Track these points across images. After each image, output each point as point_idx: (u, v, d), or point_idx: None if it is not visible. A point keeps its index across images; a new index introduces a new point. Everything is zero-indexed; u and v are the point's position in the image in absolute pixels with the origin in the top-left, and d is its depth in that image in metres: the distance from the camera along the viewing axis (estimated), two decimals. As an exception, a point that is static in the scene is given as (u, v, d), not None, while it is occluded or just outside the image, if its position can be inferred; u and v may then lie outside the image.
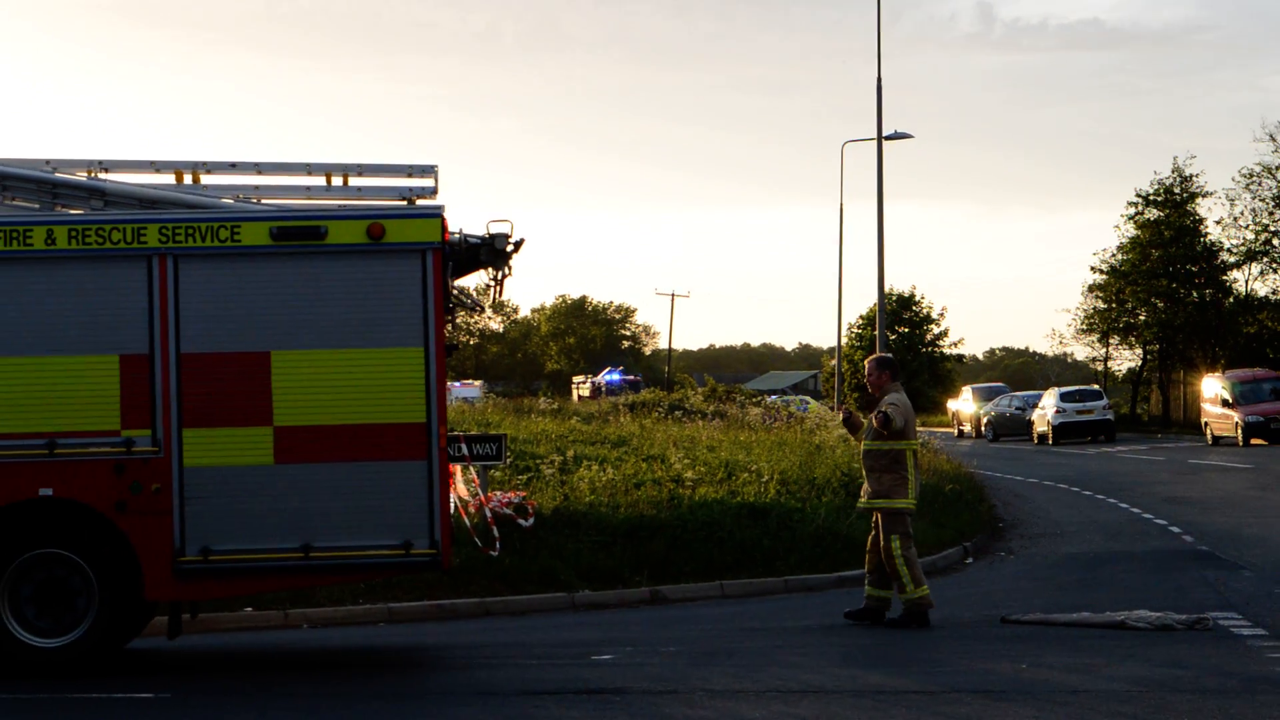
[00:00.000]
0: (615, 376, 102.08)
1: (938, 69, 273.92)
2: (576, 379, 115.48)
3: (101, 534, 15.12)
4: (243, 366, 15.25)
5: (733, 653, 15.95)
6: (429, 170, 16.70)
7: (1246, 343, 75.60)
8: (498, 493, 23.71)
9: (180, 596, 15.46)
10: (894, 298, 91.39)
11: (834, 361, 75.01)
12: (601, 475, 26.77)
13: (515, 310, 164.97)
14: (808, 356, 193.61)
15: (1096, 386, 75.72)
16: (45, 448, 15.11)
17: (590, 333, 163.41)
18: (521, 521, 22.63)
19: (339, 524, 15.26)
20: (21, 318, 15.22)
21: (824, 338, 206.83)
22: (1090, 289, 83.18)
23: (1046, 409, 66.04)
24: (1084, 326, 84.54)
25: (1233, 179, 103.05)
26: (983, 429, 74.40)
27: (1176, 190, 79.72)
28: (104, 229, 15.22)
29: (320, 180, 16.75)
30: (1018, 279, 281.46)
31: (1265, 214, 76.24)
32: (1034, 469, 46.80)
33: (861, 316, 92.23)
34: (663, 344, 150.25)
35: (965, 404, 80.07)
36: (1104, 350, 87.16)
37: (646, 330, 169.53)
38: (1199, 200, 79.62)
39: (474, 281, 16.95)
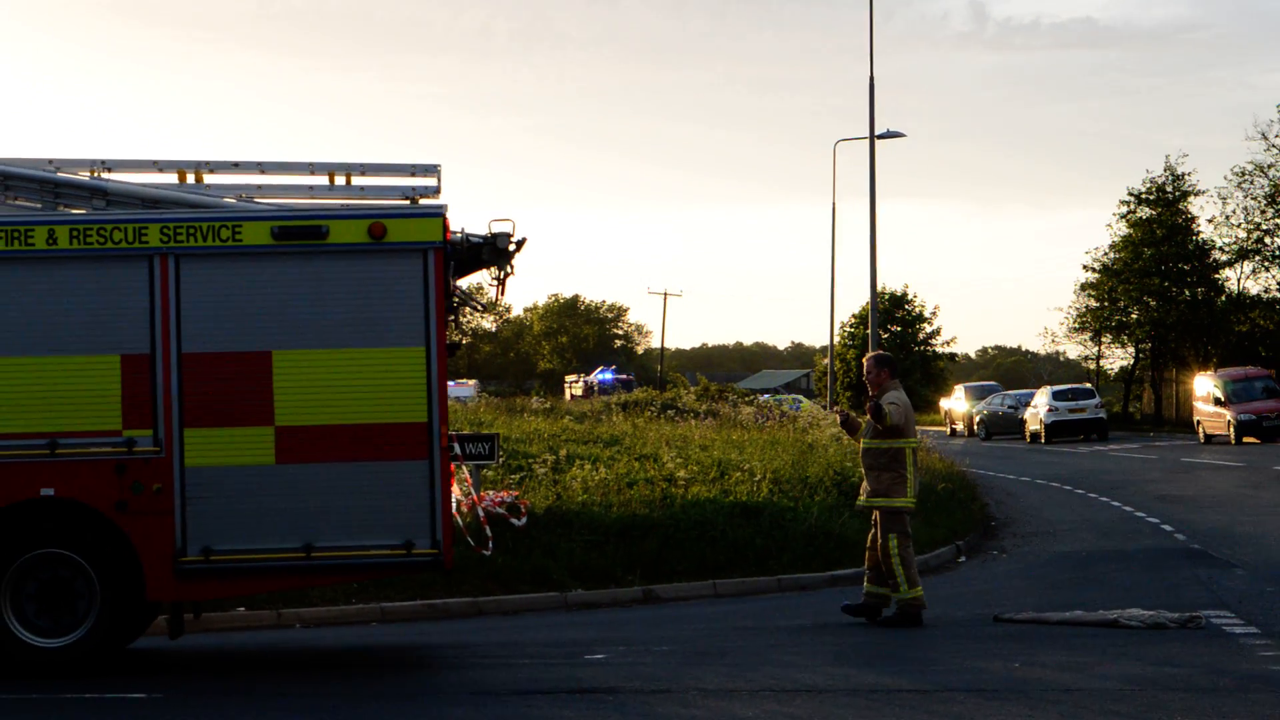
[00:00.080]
0: (608, 376, 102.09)
1: (930, 67, 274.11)
2: (569, 378, 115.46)
3: (103, 534, 15.10)
4: (244, 366, 15.24)
5: (726, 652, 15.94)
6: (432, 169, 16.68)
7: (1238, 341, 75.70)
8: (490, 492, 23.70)
9: (181, 597, 15.45)
10: (887, 296, 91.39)
11: (827, 360, 75.03)
12: (594, 474, 26.75)
13: (508, 309, 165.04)
14: (800, 355, 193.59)
15: (1089, 385, 75.72)
16: (47, 448, 15.09)
17: (583, 332, 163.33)
18: (514, 521, 22.63)
19: (340, 524, 15.24)
20: (23, 318, 15.20)
21: (816, 336, 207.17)
22: (1083, 287, 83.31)
23: (1039, 408, 66.10)
24: (1076, 325, 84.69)
25: (1225, 177, 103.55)
26: (975, 428, 74.43)
27: (1169, 189, 79.83)
28: (105, 229, 15.20)
29: (323, 179, 16.73)
30: (1010, 277, 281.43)
31: (1257, 212, 76.39)
32: (1026, 468, 46.83)
33: (854, 315, 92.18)
34: (655, 343, 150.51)
35: (958, 403, 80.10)
36: (1096, 349, 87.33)
37: (639, 329, 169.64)
38: (1191, 199, 79.82)
39: (469, 282, 16.91)
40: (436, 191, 16.54)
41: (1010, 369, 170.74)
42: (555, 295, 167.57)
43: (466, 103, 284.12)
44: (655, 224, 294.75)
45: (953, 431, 77.43)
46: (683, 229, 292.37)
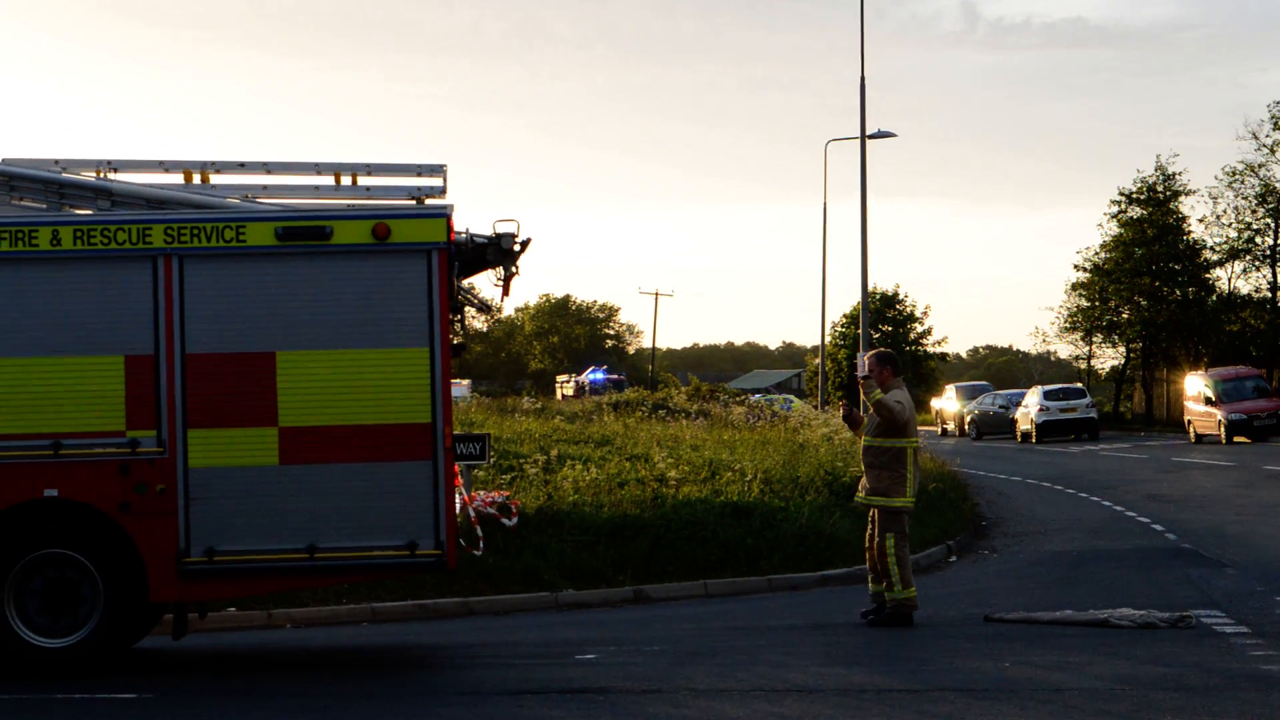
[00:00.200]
0: (599, 376, 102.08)
1: (922, 67, 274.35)
2: (560, 378, 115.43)
3: (106, 535, 15.11)
4: (248, 367, 15.25)
5: (716, 652, 15.94)
6: (438, 169, 16.67)
7: (1229, 341, 75.82)
8: (481, 492, 23.70)
9: (185, 597, 15.46)
10: (878, 296, 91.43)
11: (818, 360, 75.04)
12: (585, 475, 26.76)
13: (499, 310, 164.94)
14: (791, 355, 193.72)
15: (1080, 385, 75.87)
16: (50, 448, 15.10)
17: (574, 332, 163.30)
18: (505, 521, 22.63)
19: (344, 524, 15.25)
20: (27, 318, 15.21)
21: (808, 336, 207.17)
22: (1074, 287, 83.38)
23: (1030, 407, 66.15)
24: (1067, 325, 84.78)
25: (1215, 177, 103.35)
26: (966, 427, 74.48)
27: (1160, 188, 79.94)
28: (109, 229, 15.20)
29: (329, 180, 16.71)
30: (1001, 277, 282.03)
31: (1248, 212, 76.59)
32: (1017, 467, 46.87)
33: (845, 315, 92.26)
34: (647, 343, 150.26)
35: (949, 403, 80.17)
36: (1087, 348, 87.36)
37: (630, 329, 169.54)
38: (1182, 198, 79.94)
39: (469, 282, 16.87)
40: (442, 191, 16.54)
41: (1001, 369, 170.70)
42: (546, 295, 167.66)
43: (459, 101, 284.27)
44: (646, 224, 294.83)
45: (944, 431, 77.49)
46: (674, 229, 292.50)
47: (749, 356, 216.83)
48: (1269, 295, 76.89)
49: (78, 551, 15.11)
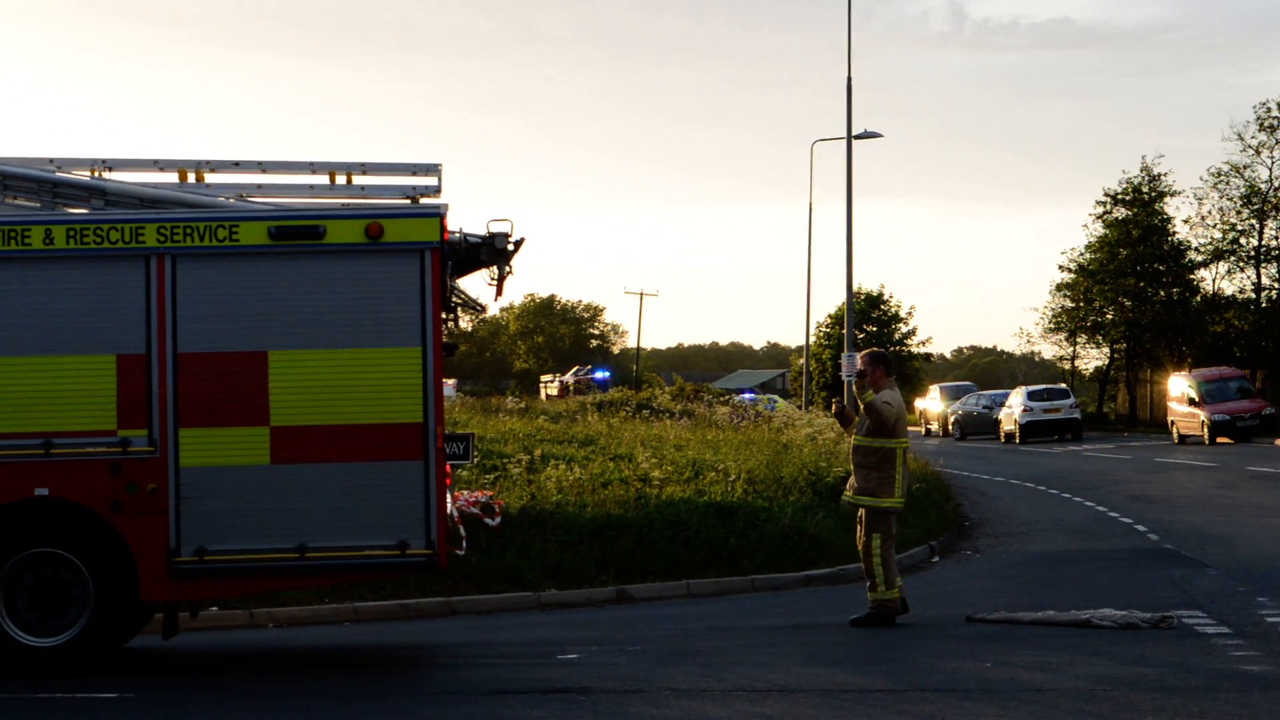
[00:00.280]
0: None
1: (909, 68, 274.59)
2: (545, 378, 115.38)
3: (97, 534, 15.09)
4: (240, 366, 15.23)
5: (699, 652, 15.94)
6: (433, 169, 16.67)
7: (1213, 342, 75.95)
8: (464, 492, 23.69)
9: (175, 597, 15.44)
10: (863, 296, 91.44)
11: (802, 360, 75.08)
12: (569, 474, 26.74)
13: (483, 309, 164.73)
14: (776, 355, 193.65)
15: (1064, 385, 75.99)
16: (41, 447, 15.08)
17: (559, 332, 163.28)
18: (488, 521, 22.62)
19: (335, 524, 15.23)
20: (19, 317, 15.19)
21: (793, 337, 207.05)
22: (1058, 288, 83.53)
23: (1014, 408, 66.24)
24: (1052, 325, 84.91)
25: (1201, 178, 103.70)
26: (950, 428, 74.59)
27: (1145, 189, 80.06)
28: (102, 228, 15.19)
29: (324, 179, 16.71)
30: (986, 278, 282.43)
31: (1232, 213, 76.74)
32: (1001, 468, 46.91)
33: (830, 315, 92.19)
34: (631, 343, 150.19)
35: (933, 403, 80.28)
36: (1071, 349, 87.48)
37: (615, 329, 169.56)
38: (1167, 199, 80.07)
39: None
40: (437, 190, 16.55)
41: (985, 369, 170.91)
42: (531, 295, 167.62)
43: (446, 100, 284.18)
44: (631, 223, 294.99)
45: (928, 432, 77.58)
46: (659, 228, 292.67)
47: (734, 356, 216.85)
48: (1253, 296, 77.03)
49: (68, 551, 15.09)
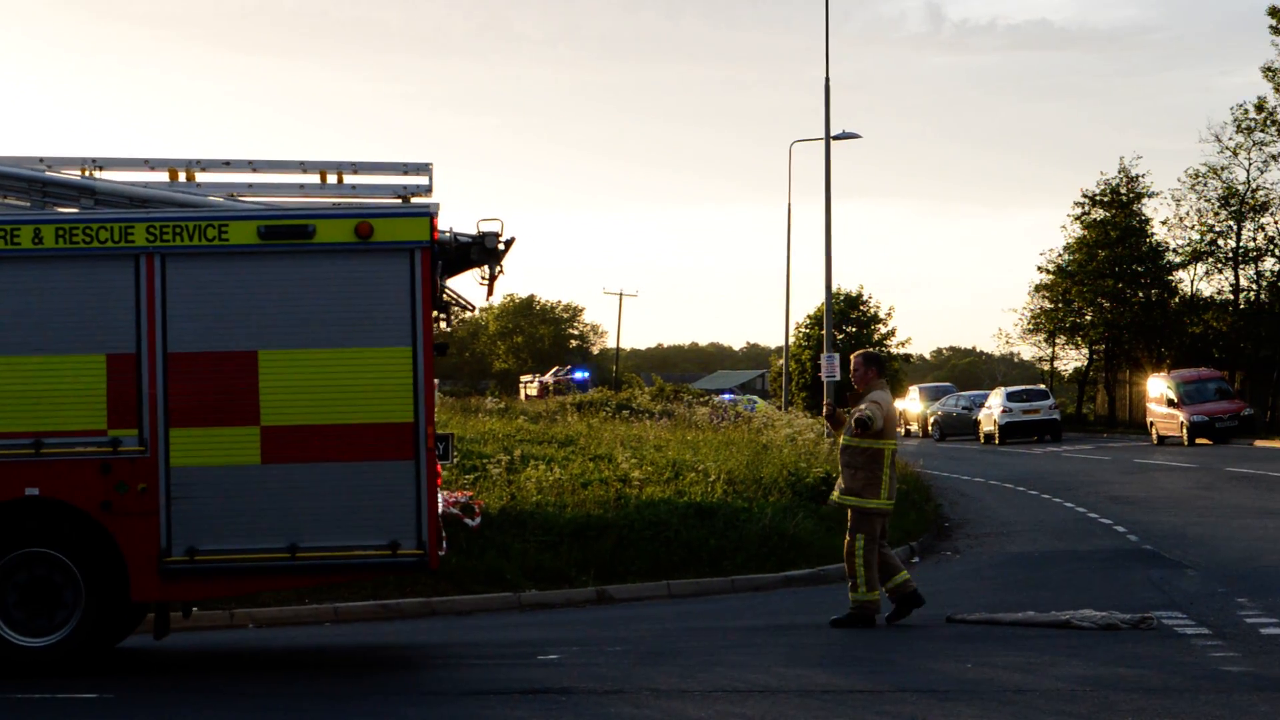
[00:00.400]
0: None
1: (887, 68, 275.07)
2: (524, 378, 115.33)
3: (88, 534, 15.05)
4: (230, 366, 15.20)
5: (679, 652, 15.93)
6: (424, 168, 16.64)
7: (1192, 343, 76.07)
8: (444, 492, 23.63)
9: (166, 597, 15.42)
10: (842, 297, 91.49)
11: (782, 361, 75.10)
12: (549, 475, 26.73)
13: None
14: (756, 356, 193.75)
15: (1043, 386, 76.08)
16: (31, 447, 15.04)
17: (538, 332, 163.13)
18: (468, 521, 22.59)
19: (326, 524, 15.20)
20: (8, 317, 15.14)
21: (772, 337, 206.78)
22: (1037, 289, 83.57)
23: (993, 409, 66.31)
24: (1031, 326, 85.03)
25: (1179, 179, 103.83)
26: (929, 429, 74.67)
27: (1123, 191, 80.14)
28: (91, 228, 15.14)
29: (314, 178, 16.67)
30: (965, 278, 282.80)
31: (1210, 214, 76.72)
32: (980, 469, 46.97)
33: (809, 316, 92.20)
34: (611, 343, 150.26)
35: (912, 404, 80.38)
36: (1050, 350, 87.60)
37: (595, 329, 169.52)
38: (1145, 201, 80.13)
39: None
40: (428, 190, 16.52)
41: (965, 370, 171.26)
42: (510, 295, 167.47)
43: (423, 100, 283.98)
44: (610, 223, 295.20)
45: (907, 432, 77.61)
46: (638, 229, 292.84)
47: (713, 357, 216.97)
48: (1231, 298, 77.16)
49: (59, 550, 15.05)
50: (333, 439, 15.22)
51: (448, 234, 16.02)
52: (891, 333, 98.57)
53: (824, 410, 19.35)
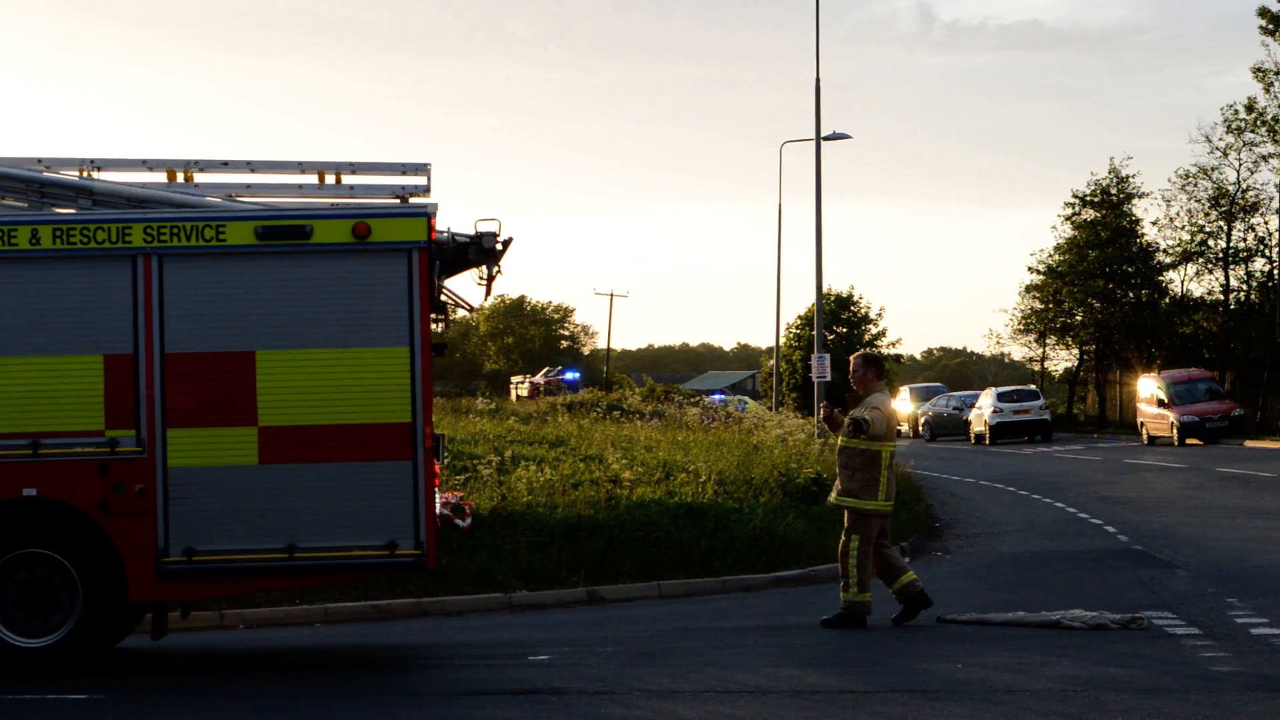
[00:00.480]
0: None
1: (877, 69, 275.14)
2: (515, 379, 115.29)
3: (85, 534, 15.05)
4: (227, 366, 15.19)
5: (669, 653, 15.94)
6: (422, 168, 16.62)
7: (1182, 343, 76.13)
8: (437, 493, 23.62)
9: (164, 597, 15.41)
10: (832, 298, 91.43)
11: (772, 361, 75.12)
12: (539, 475, 26.70)
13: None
14: (746, 357, 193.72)
15: (1033, 387, 76.18)
16: (29, 448, 15.03)
17: (529, 333, 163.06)
18: (459, 522, 22.57)
19: (323, 524, 15.20)
20: (6, 317, 15.13)
21: (763, 338, 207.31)
22: (1027, 289, 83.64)
23: (984, 409, 66.40)
24: (1021, 327, 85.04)
25: (1169, 180, 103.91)
26: (920, 429, 74.74)
27: (1113, 191, 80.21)
28: (89, 228, 15.13)
29: (313, 178, 16.65)
30: (956, 279, 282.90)
31: (1201, 215, 76.84)
32: (971, 469, 47.01)
33: (800, 316, 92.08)
34: (602, 344, 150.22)
35: (903, 404, 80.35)
36: (1041, 350, 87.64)
37: (585, 330, 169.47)
38: (1135, 201, 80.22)
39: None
40: (427, 190, 16.50)
41: (955, 370, 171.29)
42: (501, 296, 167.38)
43: (415, 100, 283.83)
44: (600, 224, 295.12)
45: (898, 433, 77.58)
46: (629, 229, 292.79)
47: (704, 358, 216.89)
48: (1221, 298, 77.24)
49: (57, 551, 15.05)
50: (331, 439, 15.22)
51: (445, 234, 16.02)
52: (882, 333, 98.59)
53: (820, 413, 19.34)
